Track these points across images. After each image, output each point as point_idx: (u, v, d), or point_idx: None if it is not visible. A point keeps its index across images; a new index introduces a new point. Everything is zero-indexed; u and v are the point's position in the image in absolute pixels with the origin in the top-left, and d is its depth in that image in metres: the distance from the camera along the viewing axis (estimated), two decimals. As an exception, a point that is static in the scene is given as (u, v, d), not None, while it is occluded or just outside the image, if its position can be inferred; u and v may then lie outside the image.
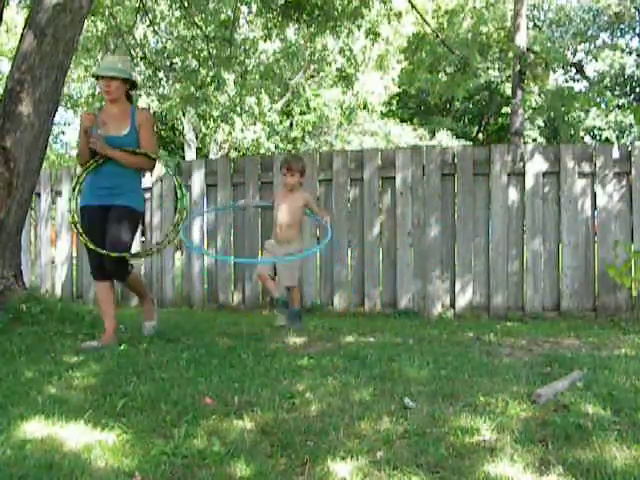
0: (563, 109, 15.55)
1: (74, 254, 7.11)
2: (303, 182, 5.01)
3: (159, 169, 6.64)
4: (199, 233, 6.47)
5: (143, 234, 6.83)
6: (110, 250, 3.82)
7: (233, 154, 22.94)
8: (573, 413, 2.44)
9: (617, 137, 27.70)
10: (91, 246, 3.88)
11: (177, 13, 11.48)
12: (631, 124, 26.05)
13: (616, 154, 5.54)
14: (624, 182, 5.52)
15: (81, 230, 3.94)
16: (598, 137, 28.10)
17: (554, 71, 17.27)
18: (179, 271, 6.82)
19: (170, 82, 16.01)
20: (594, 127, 28.43)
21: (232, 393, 2.73)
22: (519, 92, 14.43)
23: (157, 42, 15.38)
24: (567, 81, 28.75)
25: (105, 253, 3.82)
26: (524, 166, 5.67)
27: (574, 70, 26.72)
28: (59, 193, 6.98)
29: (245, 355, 3.48)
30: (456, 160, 5.78)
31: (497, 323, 5.17)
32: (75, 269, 7.02)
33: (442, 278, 5.76)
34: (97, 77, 4.08)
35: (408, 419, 2.41)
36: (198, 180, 6.48)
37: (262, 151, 21.60)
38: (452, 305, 5.75)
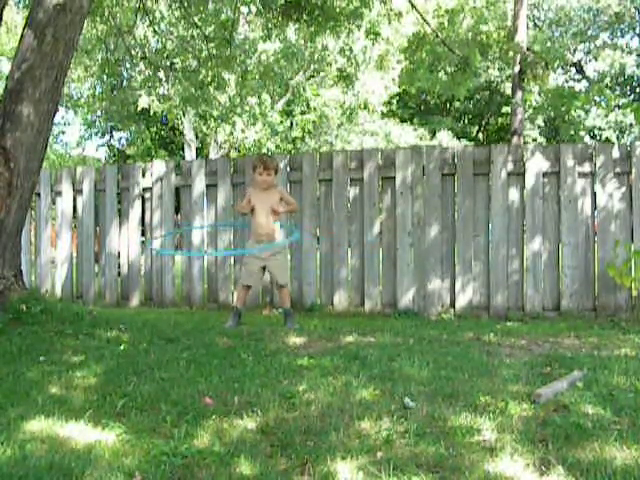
0: (563, 109, 15.56)
1: (74, 254, 7.11)
2: (277, 181, 5.17)
3: (159, 169, 6.66)
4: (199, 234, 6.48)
5: (143, 234, 6.84)
6: None
7: (233, 154, 22.94)
8: (573, 413, 2.44)
9: (617, 137, 27.69)
10: None
11: (177, 13, 11.47)
12: (631, 124, 26.04)
13: (616, 154, 5.53)
14: (624, 182, 5.52)
15: None
16: (598, 137, 28.09)
17: (554, 71, 17.26)
18: (179, 271, 6.82)
19: (170, 82, 16.00)
20: (594, 127, 28.42)
21: (232, 393, 2.73)
22: (519, 92, 14.42)
23: (157, 42, 15.36)
24: (567, 81, 28.75)
25: None
26: (524, 166, 5.67)
27: (574, 70, 26.71)
28: (59, 193, 6.97)
29: (245, 355, 3.48)
30: (456, 160, 5.78)
31: (497, 323, 5.16)
32: (75, 269, 7.01)
33: (442, 278, 5.76)
34: None
35: (408, 419, 2.41)
36: (198, 180, 6.48)
37: (262, 151, 21.59)
38: (452, 305, 5.75)
